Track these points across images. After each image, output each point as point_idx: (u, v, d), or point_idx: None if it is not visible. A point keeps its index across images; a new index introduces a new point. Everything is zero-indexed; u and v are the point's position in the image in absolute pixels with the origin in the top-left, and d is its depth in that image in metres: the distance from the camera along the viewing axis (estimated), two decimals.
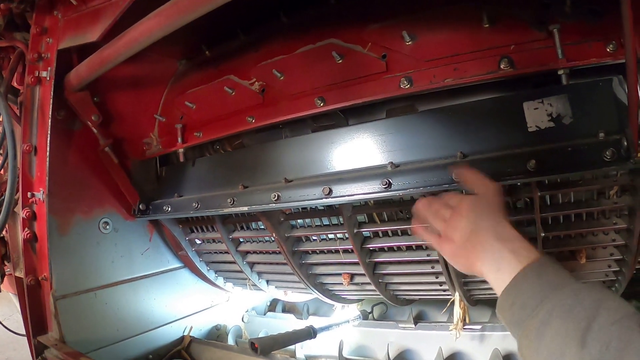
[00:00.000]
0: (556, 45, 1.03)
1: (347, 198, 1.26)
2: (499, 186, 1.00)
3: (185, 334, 2.10)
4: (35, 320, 1.70)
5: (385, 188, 1.18)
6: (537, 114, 1.07)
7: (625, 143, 0.96)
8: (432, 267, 1.46)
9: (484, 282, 1.44)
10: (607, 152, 0.97)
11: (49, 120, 1.56)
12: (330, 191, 1.28)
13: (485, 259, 0.92)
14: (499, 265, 0.88)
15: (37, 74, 1.59)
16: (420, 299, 1.81)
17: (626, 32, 0.84)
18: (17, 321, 1.98)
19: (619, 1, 0.82)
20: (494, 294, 1.54)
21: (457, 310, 1.54)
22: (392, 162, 1.21)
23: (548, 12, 1.07)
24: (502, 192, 1.00)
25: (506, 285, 0.85)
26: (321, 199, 1.30)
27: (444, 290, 1.58)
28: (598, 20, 1.02)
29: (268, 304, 2.53)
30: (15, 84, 1.74)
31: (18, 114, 1.69)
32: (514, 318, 0.83)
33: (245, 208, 1.46)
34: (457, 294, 1.51)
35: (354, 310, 2.07)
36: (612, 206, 1.18)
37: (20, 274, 1.78)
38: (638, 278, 1.38)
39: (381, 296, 1.69)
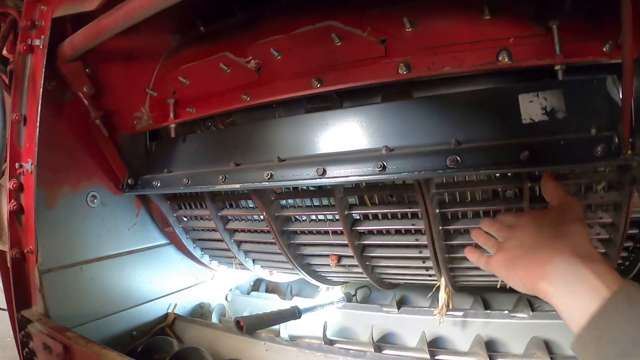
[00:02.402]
0: (554, 41, 1.05)
1: (341, 179, 1.26)
2: (579, 202, 0.95)
3: (170, 311, 2.11)
4: (19, 294, 1.69)
5: (380, 171, 1.19)
6: (531, 107, 1.08)
7: (617, 140, 0.97)
8: (420, 252, 1.48)
9: (471, 268, 1.50)
10: (599, 148, 0.98)
11: (40, 90, 1.54)
12: (325, 171, 1.29)
13: (556, 276, 0.80)
14: (575, 287, 0.77)
15: (29, 42, 1.56)
16: (405, 283, 1.84)
17: (625, 32, 0.86)
18: None
19: (618, 4, 0.84)
20: (479, 281, 1.60)
21: (443, 296, 1.57)
22: (386, 146, 1.22)
23: (547, 8, 1.08)
24: (581, 208, 0.93)
25: (592, 314, 0.72)
26: (315, 179, 1.30)
27: (430, 276, 1.61)
28: (595, 20, 1.04)
29: (252, 283, 2.54)
30: (4, 54, 1.71)
31: (7, 83, 1.66)
32: (600, 355, 0.70)
33: (237, 186, 1.46)
34: (443, 279, 1.54)
35: (338, 292, 2.09)
36: (599, 201, 1.21)
37: (2, 246, 1.76)
38: (620, 272, 1.42)
39: (367, 279, 1.71)
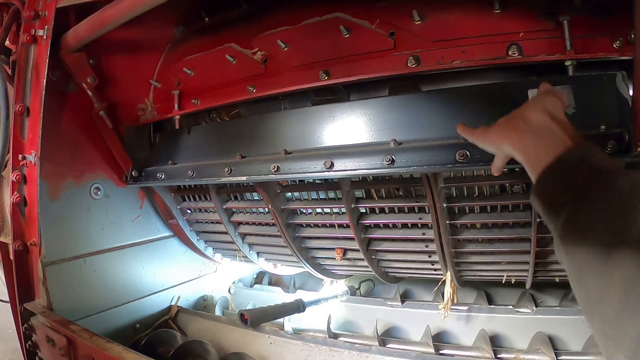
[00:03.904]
0: (565, 36, 1.04)
1: (349, 172, 1.26)
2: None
3: (173, 303, 2.11)
4: (22, 287, 1.68)
5: (388, 164, 1.19)
6: None
7: (627, 137, 0.98)
8: (426, 246, 1.48)
9: (477, 263, 1.49)
10: (609, 144, 0.99)
11: (44, 81, 1.52)
12: (332, 164, 1.28)
13: (525, 128, 0.84)
14: (543, 136, 0.81)
15: (33, 32, 1.54)
16: (409, 277, 1.84)
17: (637, 29, 0.86)
18: None
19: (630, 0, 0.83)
20: (485, 275, 1.59)
21: (448, 290, 1.57)
22: (395, 140, 1.21)
23: (558, 3, 1.07)
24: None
25: (553, 159, 0.77)
26: (322, 172, 1.30)
27: (435, 270, 1.61)
28: (606, 16, 1.03)
29: (255, 276, 2.54)
30: (7, 45, 1.68)
31: (10, 74, 1.64)
32: (554, 200, 0.75)
33: (243, 178, 1.46)
34: (448, 273, 1.54)
35: (341, 285, 2.09)
36: None
37: (5, 239, 1.75)
38: None
39: (371, 272, 1.71)
